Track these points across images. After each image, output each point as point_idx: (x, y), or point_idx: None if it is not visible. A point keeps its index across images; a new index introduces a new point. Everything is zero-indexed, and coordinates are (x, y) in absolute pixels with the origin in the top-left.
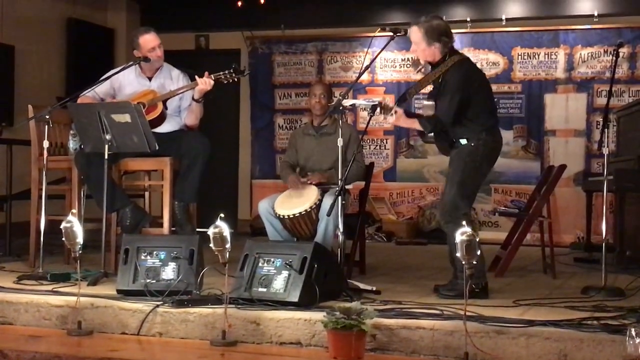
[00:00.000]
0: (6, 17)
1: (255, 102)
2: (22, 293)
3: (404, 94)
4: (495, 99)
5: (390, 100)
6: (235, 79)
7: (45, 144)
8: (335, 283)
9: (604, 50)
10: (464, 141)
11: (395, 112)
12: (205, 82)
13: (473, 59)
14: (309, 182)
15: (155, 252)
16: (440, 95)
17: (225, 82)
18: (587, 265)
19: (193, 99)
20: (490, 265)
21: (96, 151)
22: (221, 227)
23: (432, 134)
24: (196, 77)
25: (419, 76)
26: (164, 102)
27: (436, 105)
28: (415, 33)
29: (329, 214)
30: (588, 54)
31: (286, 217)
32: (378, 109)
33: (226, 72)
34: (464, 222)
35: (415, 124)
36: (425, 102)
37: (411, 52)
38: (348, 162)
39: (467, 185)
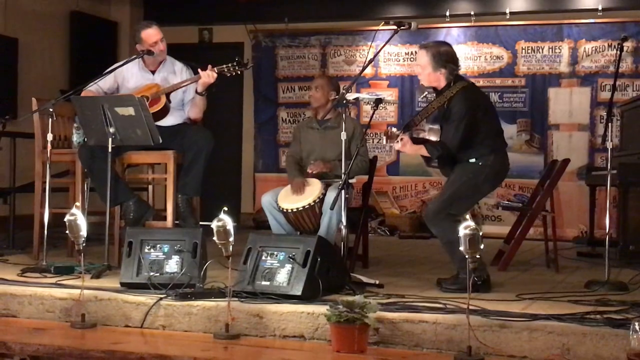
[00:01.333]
0: (10, 10)
1: (258, 96)
2: (26, 286)
3: (410, 122)
4: (499, 93)
5: (394, 94)
6: (239, 72)
7: (49, 136)
8: (338, 277)
9: (608, 44)
10: (472, 160)
11: (401, 139)
12: (208, 75)
13: (476, 53)
14: (310, 172)
15: (158, 245)
16: (446, 122)
17: (229, 75)
18: (590, 260)
19: (196, 92)
20: (493, 259)
21: (100, 144)
22: (224, 220)
23: (438, 162)
24: (199, 70)
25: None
26: (168, 95)
27: (442, 131)
28: (422, 57)
29: (332, 208)
30: (592, 48)
31: (289, 210)
32: (384, 138)
33: (229, 65)
34: (467, 216)
35: (422, 150)
36: (430, 126)
37: (416, 74)
38: (351, 156)
39: (461, 199)
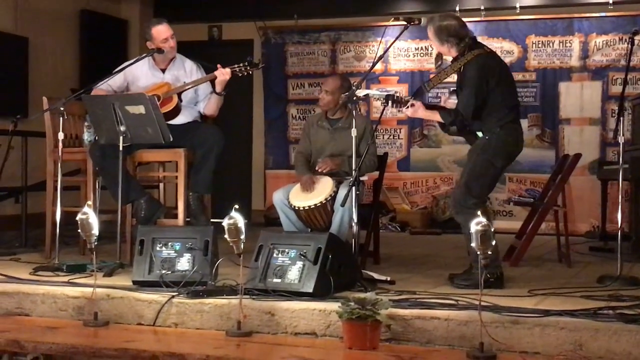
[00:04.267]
0: (20, 10)
1: (268, 93)
2: (39, 284)
3: (421, 86)
4: None
5: (403, 90)
6: (250, 72)
7: (60, 135)
8: (350, 273)
9: (619, 38)
10: (480, 134)
11: (412, 104)
12: (223, 73)
13: None
14: (319, 169)
15: (170, 243)
16: (460, 90)
17: (240, 75)
18: (603, 254)
19: (215, 92)
20: (505, 254)
21: (111, 143)
22: (236, 218)
23: (456, 127)
24: (218, 66)
25: (433, 66)
26: (179, 95)
27: (457, 99)
28: (429, 32)
29: (343, 205)
30: (603, 41)
31: (301, 208)
32: (390, 102)
33: (241, 65)
34: (478, 212)
35: (435, 116)
36: (450, 100)
37: (434, 46)
38: (361, 154)
39: (478, 179)
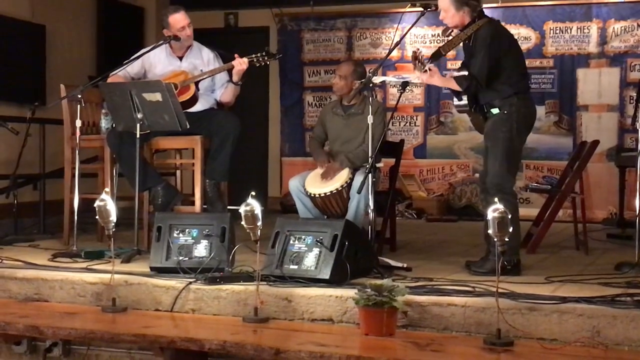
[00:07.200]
0: None
1: (284, 80)
2: (57, 270)
3: (437, 51)
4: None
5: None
6: (267, 62)
7: (78, 123)
8: (366, 260)
9: (637, 24)
10: (495, 110)
11: (430, 69)
12: (241, 63)
13: None
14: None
15: (187, 230)
16: (472, 54)
17: (257, 65)
18: (620, 241)
19: (232, 82)
20: (522, 241)
21: (128, 130)
22: (252, 204)
23: (466, 102)
24: (235, 56)
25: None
26: (196, 83)
27: (470, 66)
28: (443, 0)
29: (359, 192)
30: (621, 27)
31: (317, 195)
32: (412, 59)
33: (258, 54)
34: (515, 198)
35: (450, 82)
36: (456, 74)
37: (440, 19)
38: (374, 138)
39: (510, 156)
